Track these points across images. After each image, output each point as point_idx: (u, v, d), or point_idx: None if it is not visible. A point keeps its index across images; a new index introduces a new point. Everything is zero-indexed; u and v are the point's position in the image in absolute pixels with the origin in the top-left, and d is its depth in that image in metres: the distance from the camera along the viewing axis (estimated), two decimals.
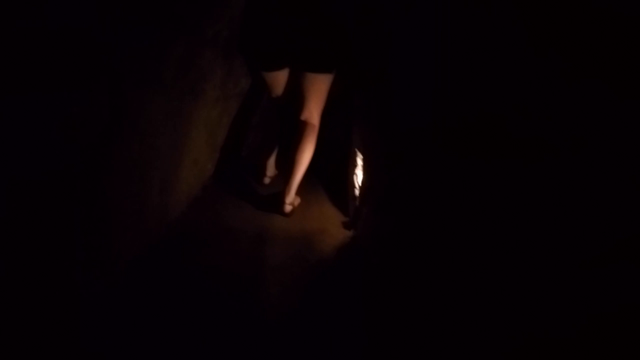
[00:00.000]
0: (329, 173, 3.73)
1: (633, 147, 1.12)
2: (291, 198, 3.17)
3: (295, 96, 3.25)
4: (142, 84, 2.08)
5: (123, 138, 2.03)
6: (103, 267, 2.11)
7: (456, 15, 1.49)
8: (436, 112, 1.58)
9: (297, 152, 3.08)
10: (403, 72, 1.98)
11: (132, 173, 2.17)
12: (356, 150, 3.06)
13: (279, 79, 3.21)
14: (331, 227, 3.07)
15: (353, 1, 2.90)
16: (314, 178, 3.60)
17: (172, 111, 2.46)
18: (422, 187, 1.77)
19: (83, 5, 1.70)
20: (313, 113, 3.12)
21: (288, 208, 3.16)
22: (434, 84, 1.63)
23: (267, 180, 3.59)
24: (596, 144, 1.17)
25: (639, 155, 1.13)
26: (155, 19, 2.04)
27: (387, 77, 2.19)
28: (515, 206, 1.29)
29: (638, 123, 1.12)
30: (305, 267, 2.61)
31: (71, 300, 1.97)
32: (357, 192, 3.05)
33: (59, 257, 1.86)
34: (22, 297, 1.67)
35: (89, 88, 1.79)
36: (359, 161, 3.01)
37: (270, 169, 3.60)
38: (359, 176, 3.01)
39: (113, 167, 2.00)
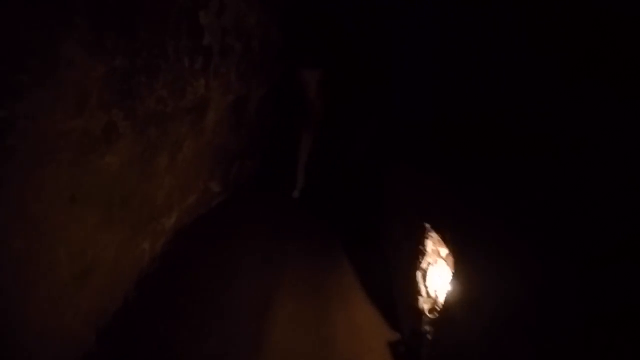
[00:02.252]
0: (351, 254, 2.68)
1: (633, 147, 1.13)
2: (301, 185, 3.61)
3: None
4: None
5: None
6: None
7: (457, 16, 1.50)
8: (437, 110, 1.58)
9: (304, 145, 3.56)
10: (404, 71, 1.98)
11: None
12: (428, 227, 1.76)
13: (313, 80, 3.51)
14: (371, 356, 1.84)
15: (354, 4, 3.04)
16: (329, 261, 2.57)
17: None
18: None
19: None
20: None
21: (297, 194, 3.60)
22: (436, 83, 1.63)
23: (296, 194, 3.61)
24: (596, 143, 1.17)
25: (638, 155, 1.13)
26: None
27: (388, 77, 2.18)
28: (515, 206, 1.29)
29: (638, 123, 1.12)
30: None
31: None
32: (424, 303, 1.79)
33: None
34: None
35: None
36: (431, 248, 1.73)
37: (301, 179, 3.65)
38: (433, 278, 1.74)
39: None
